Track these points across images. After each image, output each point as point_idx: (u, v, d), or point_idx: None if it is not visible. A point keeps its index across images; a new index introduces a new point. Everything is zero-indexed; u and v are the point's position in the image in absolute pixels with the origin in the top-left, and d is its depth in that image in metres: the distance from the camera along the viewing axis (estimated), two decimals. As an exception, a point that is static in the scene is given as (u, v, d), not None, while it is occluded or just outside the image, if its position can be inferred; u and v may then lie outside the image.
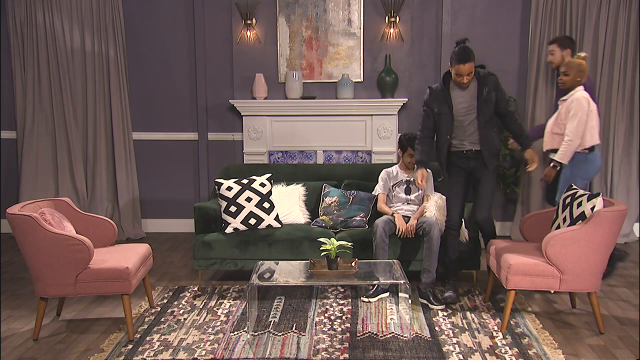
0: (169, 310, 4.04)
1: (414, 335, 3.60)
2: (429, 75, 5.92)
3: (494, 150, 4.06)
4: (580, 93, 4.23)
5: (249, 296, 3.62)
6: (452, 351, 3.39)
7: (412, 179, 4.48)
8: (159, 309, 4.07)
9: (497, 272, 3.87)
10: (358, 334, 3.62)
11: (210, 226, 4.46)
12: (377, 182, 4.62)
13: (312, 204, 4.82)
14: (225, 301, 4.21)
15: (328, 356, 3.34)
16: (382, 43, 5.85)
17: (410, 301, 3.72)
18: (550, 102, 5.70)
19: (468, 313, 3.95)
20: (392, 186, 4.54)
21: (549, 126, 4.44)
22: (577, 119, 4.18)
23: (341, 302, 4.14)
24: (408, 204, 4.47)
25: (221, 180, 4.52)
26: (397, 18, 5.76)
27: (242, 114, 5.94)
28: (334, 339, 3.56)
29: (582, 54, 4.37)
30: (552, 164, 4.31)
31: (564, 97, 4.34)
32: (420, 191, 4.47)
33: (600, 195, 3.63)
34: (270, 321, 3.81)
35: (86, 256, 3.48)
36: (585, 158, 4.29)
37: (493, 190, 4.14)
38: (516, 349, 3.41)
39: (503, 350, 3.40)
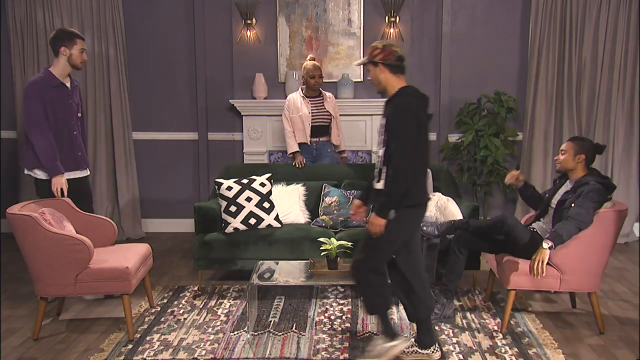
0: (169, 310, 4.04)
1: (414, 335, 3.59)
2: (429, 75, 5.92)
3: None
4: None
5: (249, 296, 3.62)
6: (452, 351, 3.39)
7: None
8: (159, 308, 4.07)
9: (498, 272, 3.87)
10: (358, 334, 3.62)
11: (210, 226, 4.45)
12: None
13: (312, 204, 4.81)
14: (225, 301, 4.20)
15: (328, 356, 3.34)
16: (382, 43, 5.84)
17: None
18: (550, 101, 5.71)
19: (468, 313, 3.95)
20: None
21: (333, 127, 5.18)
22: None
23: (341, 302, 4.14)
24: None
25: (221, 180, 4.52)
26: (397, 18, 5.76)
27: (242, 114, 5.94)
28: (334, 338, 3.56)
29: (309, 56, 5.14)
30: (342, 157, 5.32)
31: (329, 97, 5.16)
32: None
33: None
34: (270, 321, 3.81)
35: (86, 256, 3.48)
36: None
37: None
38: (516, 349, 3.41)
39: (503, 350, 3.40)
